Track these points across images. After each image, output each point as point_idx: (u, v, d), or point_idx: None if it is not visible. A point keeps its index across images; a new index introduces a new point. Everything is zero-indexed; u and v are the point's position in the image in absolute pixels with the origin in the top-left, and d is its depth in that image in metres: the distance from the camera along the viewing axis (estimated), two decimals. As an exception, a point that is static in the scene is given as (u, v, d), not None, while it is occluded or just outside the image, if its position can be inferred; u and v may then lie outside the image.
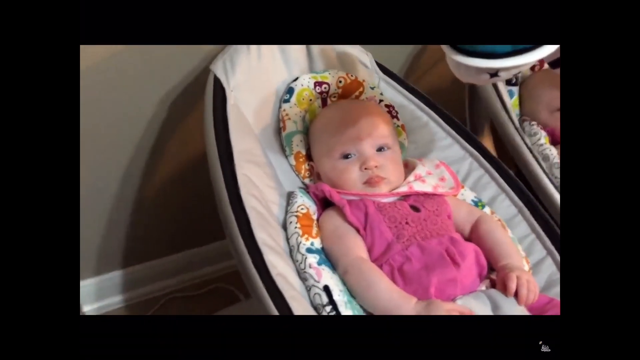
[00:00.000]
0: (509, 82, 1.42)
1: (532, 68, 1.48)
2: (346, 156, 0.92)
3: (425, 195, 0.91)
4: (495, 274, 0.87)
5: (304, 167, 0.98)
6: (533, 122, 1.32)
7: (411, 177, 0.94)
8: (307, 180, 0.98)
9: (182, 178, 1.20)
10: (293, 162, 0.98)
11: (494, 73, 0.70)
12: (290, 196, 0.90)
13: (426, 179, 0.94)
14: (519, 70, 0.71)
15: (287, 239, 0.83)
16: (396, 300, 0.76)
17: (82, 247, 1.12)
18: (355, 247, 0.82)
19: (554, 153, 1.25)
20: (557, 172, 1.21)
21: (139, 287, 1.33)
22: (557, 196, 1.09)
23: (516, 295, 0.78)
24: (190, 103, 1.07)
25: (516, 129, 1.22)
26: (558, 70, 1.48)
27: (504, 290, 0.79)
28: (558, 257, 0.93)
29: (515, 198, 1.01)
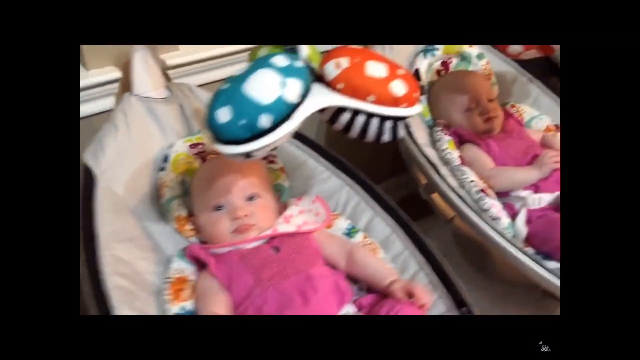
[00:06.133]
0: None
1: (438, 72, 1.55)
2: (218, 208, 1.00)
3: (289, 235, 0.98)
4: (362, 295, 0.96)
5: (187, 227, 1.06)
6: (438, 128, 1.40)
7: (280, 220, 1.01)
8: (193, 239, 1.06)
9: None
10: (175, 226, 1.06)
11: (248, 154, 0.79)
12: (168, 262, 0.98)
13: (293, 219, 1.01)
14: (272, 147, 0.80)
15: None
16: None
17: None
18: (212, 304, 0.89)
19: (454, 156, 1.32)
20: (459, 174, 1.28)
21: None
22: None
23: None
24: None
25: (421, 151, 1.28)
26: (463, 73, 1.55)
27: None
28: (429, 269, 1.01)
29: (389, 219, 1.08)
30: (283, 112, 0.79)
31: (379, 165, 1.64)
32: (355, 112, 0.84)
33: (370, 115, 0.85)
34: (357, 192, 1.12)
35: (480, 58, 1.56)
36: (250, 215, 0.98)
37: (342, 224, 1.08)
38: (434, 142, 1.39)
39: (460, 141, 1.40)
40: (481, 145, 1.36)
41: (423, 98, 1.48)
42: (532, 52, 1.25)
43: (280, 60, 0.81)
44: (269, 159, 1.15)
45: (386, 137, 0.87)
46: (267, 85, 0.78)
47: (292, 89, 0.80)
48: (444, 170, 1.25)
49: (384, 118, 0.85)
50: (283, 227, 1.00)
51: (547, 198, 1.28)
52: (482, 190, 1.24)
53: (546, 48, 1.22)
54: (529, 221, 1.26)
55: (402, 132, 0.88)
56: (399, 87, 0.86)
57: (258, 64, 0.81)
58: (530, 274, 1.09)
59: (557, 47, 1.20)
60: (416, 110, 0.89)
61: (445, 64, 1.56)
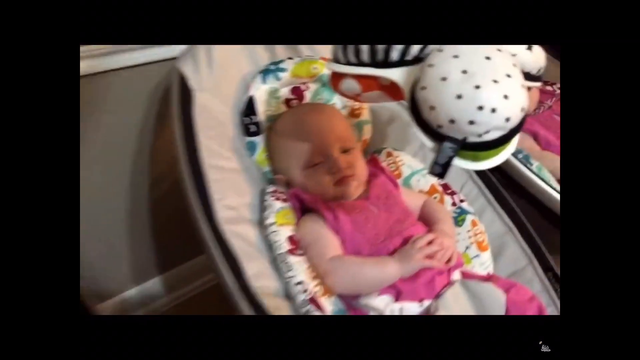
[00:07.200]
0: (247, 132, 1.03)
1: (288, 103, 1.10)
2: None
3: None
4: None
5: None
6: (269, 189, 0.96)
7: None
8: None
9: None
10: None
11: None
12: None
13: None
14: None
15: None
16: None
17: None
18: None
19: (281, 239, 0.88)
20: (284, 269, 0.84)
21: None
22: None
23: None
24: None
25: (216, 236, 0.81)
26: (308, 108, 1.09)
27: None
28: None
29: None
30: None
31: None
32: None
33: None
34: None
35: (347, 85, 1.11)
36: None
37: None
38: (262, 211, 0.93)
39: (303, 209, 0.95)
40: (327, 218, 0.91)
41: (260, 139, 1.03)
42: (374, 95, 0.78)
43: None
44: None
45: None
46: None
47: None
48: (255, 265, 0.79)
49: None
50: None
51: (411, 309, 0.83)
52: (311, 300, 0.78)
53: (395, 92, 0.74)
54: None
55: None
56: None
57: None
58: None
59: (406, 94, 0.72)
60: None
61: (298, 91, 1.10)
